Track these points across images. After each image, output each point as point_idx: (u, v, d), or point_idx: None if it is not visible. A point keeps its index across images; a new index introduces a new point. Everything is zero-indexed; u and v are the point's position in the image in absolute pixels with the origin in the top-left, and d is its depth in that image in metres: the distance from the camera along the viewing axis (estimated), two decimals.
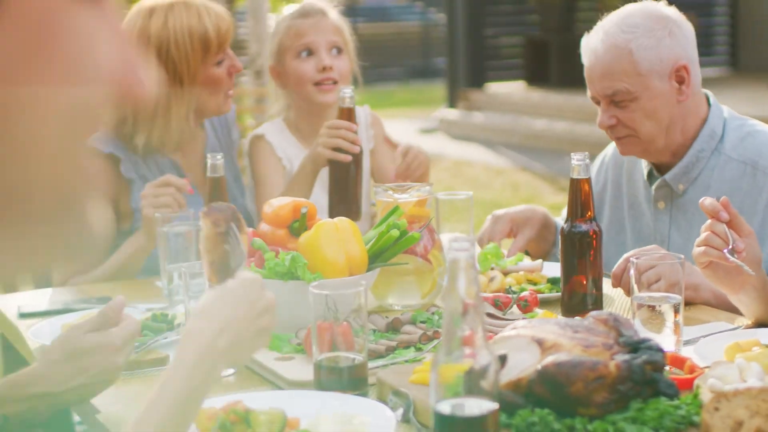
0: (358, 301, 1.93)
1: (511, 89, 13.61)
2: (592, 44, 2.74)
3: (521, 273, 2.70)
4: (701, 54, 2.83)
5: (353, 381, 1.93)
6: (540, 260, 2.77)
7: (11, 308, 2.66)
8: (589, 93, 2.78)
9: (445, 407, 1.50)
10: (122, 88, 0.77)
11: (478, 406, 1.50)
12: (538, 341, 1.75)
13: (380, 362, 2.07)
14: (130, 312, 2.49)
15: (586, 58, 2.75)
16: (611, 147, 3.01)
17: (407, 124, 14.65)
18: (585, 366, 1.67)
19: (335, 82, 3.28)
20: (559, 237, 2.46)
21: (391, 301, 2.57)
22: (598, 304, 2.42)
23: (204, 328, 1.56)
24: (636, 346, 1.73)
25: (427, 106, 16.02)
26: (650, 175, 2.87)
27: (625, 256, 2.47)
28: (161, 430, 1.47)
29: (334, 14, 3.36)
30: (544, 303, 2.54)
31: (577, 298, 2.42)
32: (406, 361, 2.08)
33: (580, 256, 2.40)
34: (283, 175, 3.35)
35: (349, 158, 3.03)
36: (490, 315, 2.31)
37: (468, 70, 13.51)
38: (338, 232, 2.35)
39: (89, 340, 1.78)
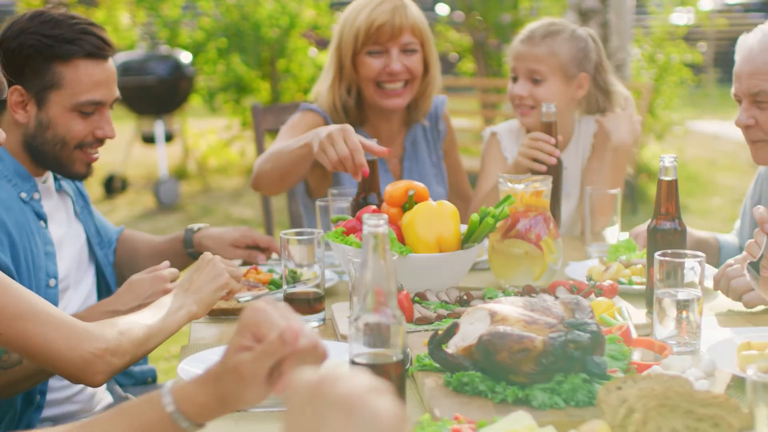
0: None
1: None
2: (749, 43, 2.79)
3: (639, 266, 2.83)
4: None
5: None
6: None
7: None
8: (732, 90, 2.84)
9: (355, 356, 1.78)
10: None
11: (379, 357, 1.76)
12: (491, 314, 1.97)
13: (412, 327, 2.34)
14: (276, 268, 2.94)
15: (739, 55, 2.81)
16: None
17: None
18: (511, 338, 1.87)
19: (533, 107, 3.51)
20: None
21: (502, 280, 2.81)
22: None
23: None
24: (575, 328, 1.90)
25: None
26: None
27: (728, 261, 2.56)
28: (139, 327, 2.09)
29: (552, 40, 3.47)
30: (639, 295, 2.68)
31: None
32: (426, 330, 2.34)
33: None
34: (504, 170, 3.61)
35: (544, 168, 3.26)
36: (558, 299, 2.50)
37: None
38: (434, 214, 2.63)
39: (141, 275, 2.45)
